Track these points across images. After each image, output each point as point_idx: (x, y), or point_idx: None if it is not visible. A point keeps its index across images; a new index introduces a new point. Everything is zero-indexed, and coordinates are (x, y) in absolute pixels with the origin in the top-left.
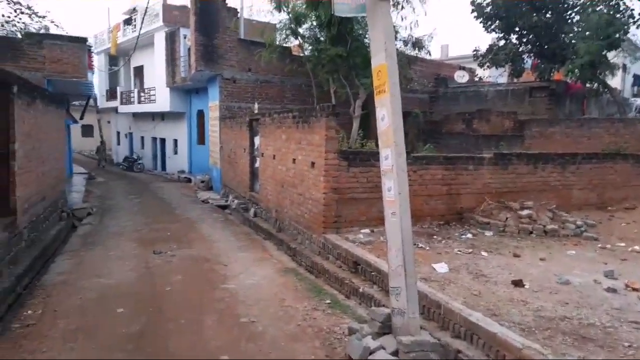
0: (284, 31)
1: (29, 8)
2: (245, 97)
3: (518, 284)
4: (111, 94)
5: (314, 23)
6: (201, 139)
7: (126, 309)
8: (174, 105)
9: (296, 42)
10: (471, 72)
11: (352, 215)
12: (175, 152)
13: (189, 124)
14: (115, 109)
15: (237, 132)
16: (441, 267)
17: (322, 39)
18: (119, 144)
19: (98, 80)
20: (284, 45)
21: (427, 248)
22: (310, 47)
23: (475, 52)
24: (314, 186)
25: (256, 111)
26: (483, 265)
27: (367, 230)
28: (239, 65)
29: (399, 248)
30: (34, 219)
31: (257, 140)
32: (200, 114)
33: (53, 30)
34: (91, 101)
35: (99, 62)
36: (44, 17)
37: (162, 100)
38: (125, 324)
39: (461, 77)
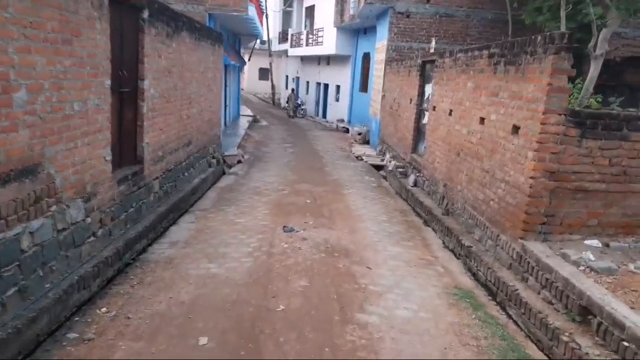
0: None
1: None
2: (418, 36)
3: None
4: (283, 37)
5: None
6: (364, 86)
7: (212, 341)
8: (340, 47)
9: None
10: None
11: (574, 215)
12: (337, 99)
13: (353, 69)
14: (286, 52)
15: (403, 78)
16: None
17: None
18: (286, 88)
19: (272, 22)
20: None
21: None
22: None
23: None
24: (514, 163)
25: (432, 51)
26: None
27: (596, 243)
28: None
29: None
30: (170, 167)
31: (428, 89)
32: (366, 58)
33: None
34: (266, 44)
35: (274, 2)
36: None
37: (329, 41)
38: None
39: None
